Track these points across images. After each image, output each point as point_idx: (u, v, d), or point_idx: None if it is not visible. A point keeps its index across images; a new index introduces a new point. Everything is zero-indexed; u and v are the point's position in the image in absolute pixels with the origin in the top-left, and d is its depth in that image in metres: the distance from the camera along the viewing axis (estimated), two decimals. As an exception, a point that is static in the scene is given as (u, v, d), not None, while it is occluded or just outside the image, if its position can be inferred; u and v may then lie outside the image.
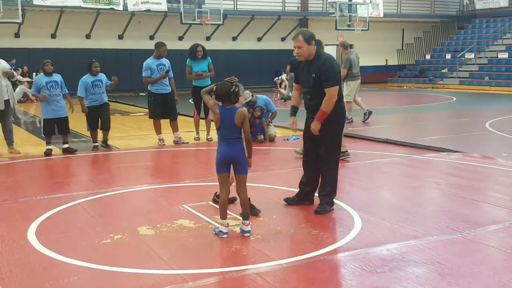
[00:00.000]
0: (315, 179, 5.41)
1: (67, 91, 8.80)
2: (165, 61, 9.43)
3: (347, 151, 7.88)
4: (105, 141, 9.26)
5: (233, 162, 4.59)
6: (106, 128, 9.21)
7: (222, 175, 4.62)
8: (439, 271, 3.81)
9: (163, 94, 9.37)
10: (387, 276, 3.73)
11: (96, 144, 9.17)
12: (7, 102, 8.55)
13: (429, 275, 3.75)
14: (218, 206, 4.81)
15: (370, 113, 12.29)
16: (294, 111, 5.51)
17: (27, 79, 20.51)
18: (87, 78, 9.00)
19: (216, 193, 5.47)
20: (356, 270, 3.83)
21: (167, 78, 9.36)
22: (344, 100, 11.74)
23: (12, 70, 8.77)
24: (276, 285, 3.61)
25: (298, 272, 3.86)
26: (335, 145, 5.34)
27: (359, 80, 12.05)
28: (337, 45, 29.12)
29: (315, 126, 5.15)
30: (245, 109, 4.75)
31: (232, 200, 5.24)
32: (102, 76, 9.13)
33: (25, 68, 21.04)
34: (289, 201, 5.50)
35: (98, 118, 9.11)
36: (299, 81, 5.42)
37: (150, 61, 9.36)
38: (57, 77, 8.67)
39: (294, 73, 5.54)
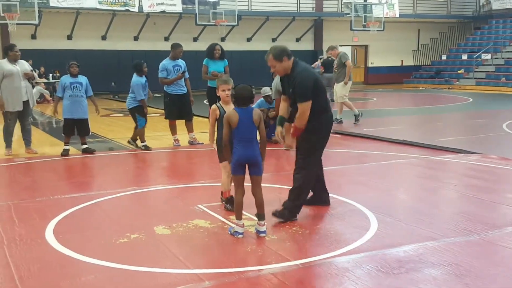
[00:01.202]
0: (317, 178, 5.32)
1: (92, 93, 8.87)
2: (181, 62, 9.49)
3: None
4: (134, 139, 9.39)
5: (249, 163, 4.60)
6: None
7: (238, 177, 4.63)
8: (456, 272, 3.78)
9: (179, 95, 9.42)
10: (404, 278, 3.70)
11: (144, 143, 9.19)
12: (26, 103, 8.64)
13: (447, 277, 3.72)
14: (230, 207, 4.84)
15: (361, 114, 12.07)
16: (281, 121, 5.16)
17: (43, 80, 20.74)
18: (139, 79, 8.98)
19: (222, 193, 5.52)
20: (372, 271, 3.81)
21: (183, 79, 9.41)
22: (339, 100, 11.80)
23: (33, 72, 8.83)
24: (292, 286, 3.60)
25: (314, 272, 3.85)
26: (310, 152, 5.09)
27: (351, 81, 12.02)
28: (352, 45, 29.14)
29: (289, 141, 5.05)
30: (259, 109, 4.76)
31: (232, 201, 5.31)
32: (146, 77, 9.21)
33: (42, 69, 21.25)
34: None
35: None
36: (285, 93, 5.24)
37: (166, 62, 9.42)
38: (82, 78, 8.74)
39: (280, 83, 5.35)
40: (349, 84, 11.78)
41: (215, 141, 5.27)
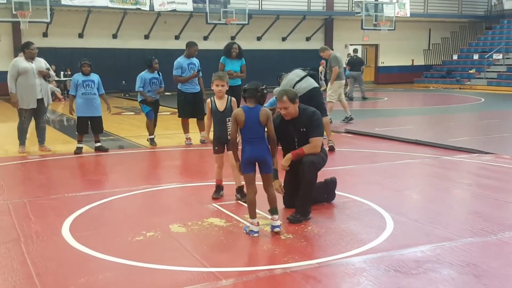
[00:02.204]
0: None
1: (103, 91, 8.92)
2: (195, 61, 9.53)
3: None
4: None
5: (258, 162, 4.63)
6: (155, 124, 9.64)
7: (248, 175, 4.64)
8: (474, 273, 3.76)
9: (193, 94, 9.45)
10: (423, 278, 3.68)
11: (151, 136, 9.44)
12: (40, 101, 8.68)
13: (465, 277, 3.70)
14: (246, 204, 4.87)
15: (351, 118, 12.03)
16: (276, 173, 4.94)
17: (55, 78, 20.81)
18: (145, 74, 9.33)
19: (237, 188, 5.66)
20: (390, 271, 3.79)
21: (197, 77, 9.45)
22: (327, 99, 11.79)
23: (49, 69, 8.85)
24: (309, 285, 3.59)
25: (331, 272, 3.83)
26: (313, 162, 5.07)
27: (343, 81, 11.95)
28: (363, 45, 29.05)
29: (286, 162, 5.03)
30: (267, 109, 4.77)
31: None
32: (158, 74, 9.47)
33: (53, 67, 21.26)
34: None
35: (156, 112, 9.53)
36: (281, 141, 5.17)
37: (181, 60, 9.44)
38: (94, 76, 8.79)
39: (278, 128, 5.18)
40: (337, 84, 11.70)
41: (209, 134, 5.73)
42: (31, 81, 8.50)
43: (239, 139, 4.76)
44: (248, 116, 4.59)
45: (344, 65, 18.89)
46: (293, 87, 7.86)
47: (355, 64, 18.47)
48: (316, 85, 8.16)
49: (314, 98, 7.96)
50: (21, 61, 8.54)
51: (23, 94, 8.50)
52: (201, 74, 9.52)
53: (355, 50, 19.99)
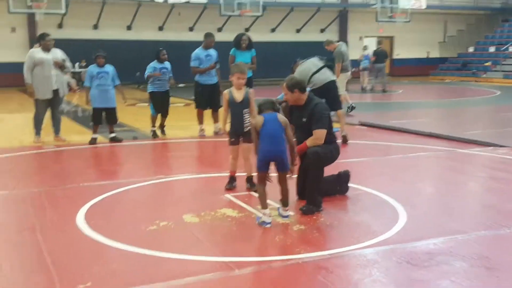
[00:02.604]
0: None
1: (119, 82, 8.98)
2: (213, 52, 9.54)
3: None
4: (161, 126, 9.59)
5: (274, 161, 4.66)
6: (164, 115, 9.62)
7: (262, 173, 4.69)
8: (487, 266, 3.75)
9: (210, 85, 9.49)
10: (435, 270, 3.68)
11: (153, 129, 9.51)
12: (56, 91, 8.76)
13: (477, 270, 3.69)
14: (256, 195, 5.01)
15: (353, 107, 12.08)
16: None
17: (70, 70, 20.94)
18: (154, 64, 9.37)
19: (246, 178, 5.74)
20: (402, 263, 3.79)
21: (214, 69, 9.46)
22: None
23: (65, 60, 8.90)
24: (322, 275, 3.61)
25: (343, 263, 3.84)
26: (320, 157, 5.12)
27: (349, 72, 11.89)
28: (378, 37, 28.86)
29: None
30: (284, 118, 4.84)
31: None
32: (167, 64, 9.46)
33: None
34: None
35: (162, 103, 9.47)
36: (292, 122, 5.30)
37: (199, 51, 9.47)
38: (108, 68, 8.85)
39: (289, 113, 5.48)
40: (343, 76, 11.71)
41: (226, 126, 5.69)
42: (47, 72, 8.58)
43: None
44: (268, 118, 4.68)
45: (369, 57, 19.01)
46: (310, 78, 7.84)
47: (380, 56, 18.54)
48: (334, 77, 8.15)
49: (331, 91, 7.96)
50: (37, 52, 8.62)
51: (39, 84, 8.59)
52: (218, 66, 9.53)
53: (380, 42, 20.12)
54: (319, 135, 5.10)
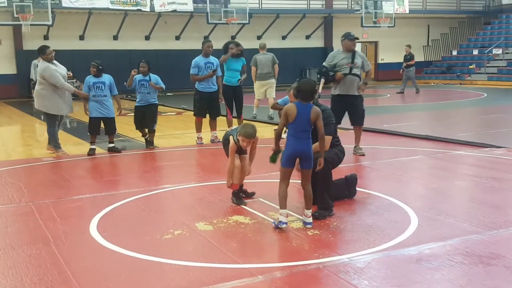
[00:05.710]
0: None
1: (116, 92, 8.93)
2: (213, 60, 9.49)
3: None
4: (147, 139, 9.38)
5: (301, 157, 4.67)
6: (149, 129, 9.29)
7: (286, 169, 4.71)
8: (505, 264, 3.81)
9: (209, 93, 9.47)
10: (455, 271, 3.73)
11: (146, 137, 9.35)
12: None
13: (496, 268, 3.75)
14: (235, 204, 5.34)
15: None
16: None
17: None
18: (136, 76, 9.15)
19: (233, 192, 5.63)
20: (421, 265, 3.84)
21: (214, 76, 9.45)
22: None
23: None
24: (344, 279, 3.64)
25: (363, 266, 3.87)
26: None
27: (263, 81, 12.14)
28: (362, 42, 29.08)
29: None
30: (318, 108, 4.78)
31: (251, 195, 5.70)
32: (151, 76, 9.17)
33: (69, 73, 21.32)
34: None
35: (142, 117, 9.22)
36: None
37: (198, 59, 9.44)
38: (106, 78, 8.81)
39: None
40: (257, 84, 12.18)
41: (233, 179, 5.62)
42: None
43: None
44: (300, 112, 4.62)
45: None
46: None
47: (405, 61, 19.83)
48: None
49: None
50: (51, 65, 8.51)
51: (60, 100, 8.50)
52: (219, 73, 9.53)
53: (409, 46, 20.94)
54: (326, 141, 5.14)
